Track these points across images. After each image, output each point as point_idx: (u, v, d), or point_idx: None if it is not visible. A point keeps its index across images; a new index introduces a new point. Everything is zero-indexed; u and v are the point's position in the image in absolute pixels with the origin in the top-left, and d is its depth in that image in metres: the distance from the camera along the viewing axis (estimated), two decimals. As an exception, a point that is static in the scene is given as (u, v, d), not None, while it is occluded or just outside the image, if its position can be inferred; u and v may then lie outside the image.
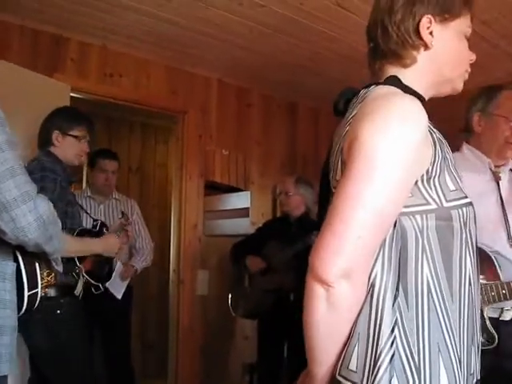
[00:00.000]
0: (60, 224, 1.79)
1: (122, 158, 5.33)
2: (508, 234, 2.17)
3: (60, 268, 2.06)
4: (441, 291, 1.15)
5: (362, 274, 1.12)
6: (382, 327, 1.10)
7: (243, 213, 4.61)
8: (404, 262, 1.15)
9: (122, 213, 3.40)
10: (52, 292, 2.48)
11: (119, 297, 3.84)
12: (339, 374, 1.14)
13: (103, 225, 3.01)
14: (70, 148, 2.78)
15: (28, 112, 3.16)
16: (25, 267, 1.82)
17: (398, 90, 1.21)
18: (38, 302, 1.94)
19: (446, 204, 1.17)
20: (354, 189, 1.09)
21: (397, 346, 1.10)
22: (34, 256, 1.85)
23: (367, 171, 1.09)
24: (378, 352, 1.09)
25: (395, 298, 1.12)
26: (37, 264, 1.91)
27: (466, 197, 1.21)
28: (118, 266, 3.78)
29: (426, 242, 1.16)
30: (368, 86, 1.30)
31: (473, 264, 1.21)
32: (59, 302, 2.54)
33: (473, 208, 1.23)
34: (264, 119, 5.03)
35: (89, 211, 3.63)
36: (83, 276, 2.60)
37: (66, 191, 2.62)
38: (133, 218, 3.97)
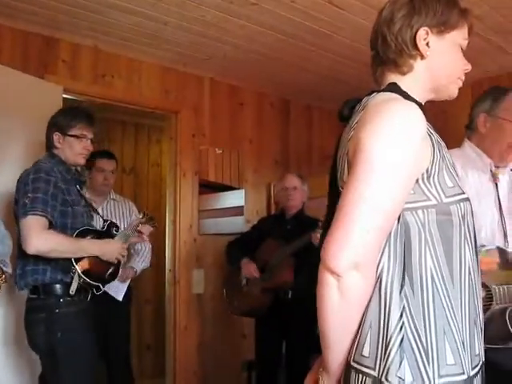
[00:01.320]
0: (2, 230, 1.94)
1: (115, 159, 5.34)
2: (504, 234, 2.18)
3: (8, 269, 2.12)
4: (443, 279, 1.25)
5: (370, 266, 1.22)
6: (391, 314, 1.20)
7: (238, 211, 4.61)
8: (408, 254, 1.25)
9: (144, 213, 3.37)
10: (56, 291, 2.55)
11: (120, 299, 3.84)
12: (353, 361, 1.23)
13: (112, 225, 2.98)
14: (71, 148, 2.77)
15: (21, 114, 3.16)
16: None
17: (398, 96, 1.31)
18: None
19: (445, 200, 1.27)
20: (357, 189, 1.20)
21: (405, 331, 1.19)
22: None
23: (368, 172, 1.20)
24: (389, 337, 1.19)
25: (402, 286, 1.22)
26: None
27: (464, 193, 1.31)
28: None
29: (427, 235, 1.26)
30: (370, 94, 1.39)
31: (472, 254, 1.32)
32: (58, 301, 2.56)
33: (470, 203, 1.33)
34: (257, 117, 5.04)
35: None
36: (79, 276, 2.58)
37: (63, 191, 2.61)
38: (131, 219, 3.95)
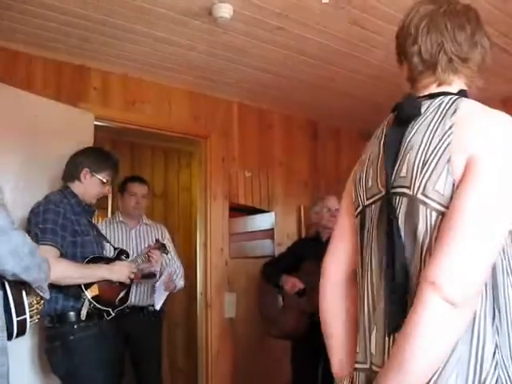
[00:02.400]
0: (39, 256, 1.93)
1: (145, 184, 5.39)
2: None
3: (47, 295, 2.15)
4: None
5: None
6: (486, 349, 1.13)
7: (268, 234, 4.61)
8: (495, 284, 1.18)
9: (157, 240, 3.54)
10: (69, 318, 2.65)
11: (157, 307, 3.85)
12: None
13: (122, 252, 3.10)
14: (93, 188, 2.92)
15: (54, 142, 3.22)
16: (12, 295, 1.92)
17: (486, 107, 1.28)
18: (28, 327, 2.04)
19: None
20: (490, 207, 1.13)
21: (498, 370, 1.13)
22: (21, 284, 1.96)
23: (501, 191, 1.14)
24: (483, 376, 1.12)
25: (493, 320, 1.16)
26: (23, 292, 2.01)
27: None
28: (165, 276, 3.85)
29: (507, 262, 1.20)
30: (437, 96, 1.33)
31: None
32: (72, 327, 2.65)
33: None
34: (285, 139, 5.05)
35: (120, 236, 3.71)
36: (89, 302, 2.67)
37: (72, 222, 2.73)
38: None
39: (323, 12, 3.16)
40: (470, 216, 1.12)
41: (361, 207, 1.42)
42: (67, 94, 3.74)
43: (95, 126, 3.73)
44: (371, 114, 4.74)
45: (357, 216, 1.43)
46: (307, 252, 3.88)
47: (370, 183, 1.39)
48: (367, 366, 1.29)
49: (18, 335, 1.97)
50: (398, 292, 1.24)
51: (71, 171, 2.91)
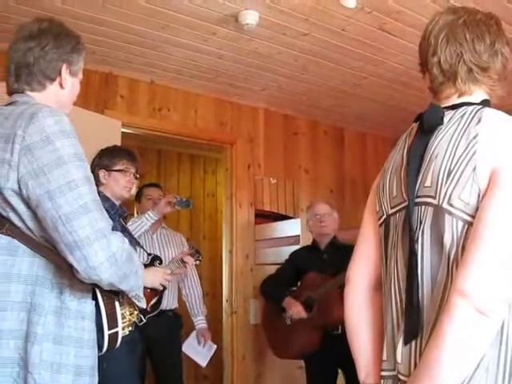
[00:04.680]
0: (137, 261, 1.74)
1: (171, 190, 5.44)
2: None
3: (142, 304, 1.99)
4: None
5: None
6: None
7: (294, 240, 4.59)
8: None
9: (191, 245, 3.56)
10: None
11: (204, 365, 4.08)
12: None
13: (156, 258, 3.07)
14: (116, 182, 2.89)
15: (83, 149, 3.25)
16: (104, 306, 1.76)
17: (510, 117, 1.28)
18: (119, 340, 1.87)
19: None
20: None
21: None
22: (114, 294, 1.78)
23: None
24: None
25: None
26: (116, 302, 1.84)
27: None
28: (192, 337, 4.02)
29: None
30: (460, 106, 1.33)
31: None
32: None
33: None
34: (311, 146, 5.05)
35: (144, 243, 3.70)
36: None
37: None
38: (182, 248, 3.99)
39: (348, 17, 3.16)
40: (497, 225, 1.12)
41: (385, 216, 1.42)
42: (95, 101, 3.79)
43: (122, 133, 3.77)
44: (397, 120, 4.74)
45: (381, 225, 1.44)
46: (307, 262, 3.78)
47: (394, 192, 1.39)
48: (394, 373, 1.29)
49: (108, 349, 1.80)
50: (414, 302, 1.25)
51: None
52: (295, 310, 3.60)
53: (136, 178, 3.01)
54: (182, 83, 4.17)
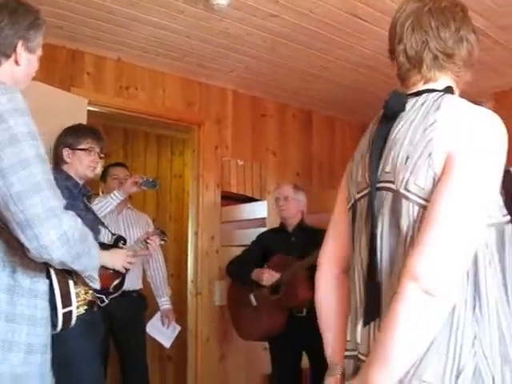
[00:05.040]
0: (91, 241, 1.73)
1: (138, 170, 5.39)
2: None
3: (96, 285, 2.03)
4: (502, 302, 1.23)
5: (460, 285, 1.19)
6: (464, 339, 1.16)
7: (260, 222, 4.60)
8: (477, 275, 1.21)
9: (156, 226, 3.62)
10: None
11: (167, 346, 4.12)
12: None
13: (120, 238, 3.06)
14: (80, 162, 2.86)
15: (46, 127, 3.18)
16: (58, 284, 1.75)
17: (469, 103, 1.30)
18: (74, 319, 1.87)
19: (501, 219, 1.27)
20: (466, 202, 1.16)
21: (477, 358, 1.16)
22: (68, 273, 1.78)
23: (478, 186, 1.17)
24: (462, 365, 1.15)
25: (474, 309, 1.19)
26: (70, 281, 1.84)
27: (508, 214, 1.30)
28: (156, 318, 4.02)
29: (489, 254, 1.23)
30: (423, 93, 1.35)
31: None
32: None
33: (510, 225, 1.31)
34: (279, 129, 5.05)
35: (110, 223, 3.66)
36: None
37: (70, 207, 2.67)
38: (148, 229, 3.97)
39: (318, 0, 3.15)
40: (448, 209, 1.15)
41: (352, 201, 1.45)
42: (61, 78, 3.72)
43: (88, 111, 3.70)
44: (364, 104, 4.77)
45: (349, 210, 1.46)
46: (275, 244, 3.79)
47: (359, 178, 1.42)
48: (355, 353, 1.32)
49: (63, 328, 1.81)
50: (373, 285, 1.28)
51: (55, 158, 2.89)
52: (267, 274, 3.61)
53: (100, 158, 2.98)
54: (149, 61, 4.11)
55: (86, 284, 1.96)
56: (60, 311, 1.77)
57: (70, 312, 1.82)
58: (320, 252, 1.58)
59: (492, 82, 4.31)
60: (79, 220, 1.63)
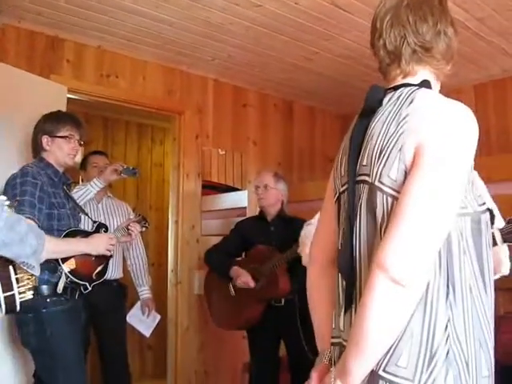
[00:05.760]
0: (23, 231, 1.81)
1: (118, 159, 5.36)
2: None
3: (35, 272, 2.07)
4: (478, 288, 1.26)
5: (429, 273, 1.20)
6: (437, 324, 1.19)
7: (241, 212, 4.62)
8: (451, 262, 1.23)
9: (137, 213, 3.61)
10: (43, 291, 2.60)
11: (147, 335, 4.12)
12: (383, 370, 1.20)
13: (101, 226, 3.06)
14: (60, 149, 2.84)
15: (25, 114, 3.16)
16: None
17: (442, 97, 1.31)
18: (18, 303, 1.96)
19: (477, 208, 1.29)
20: (436, 193, 1.17)
21: (450, 342, 1.19)
22: (9, 259, 1.86)
23: (445, 177, 1.19)
24: (434, 348, 1.18)
25: (447, 295, 1.21)
26: (10, 267, 1.92)
27: (485, 203, 1.33)
28: (136, 308, 4.01)
29: (464, 243, 1.26)
30: (400, 87, 1.37)
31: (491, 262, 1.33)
32: (45, 301, 2.62)
33: (489, 213, 1.34)
34: (260, 118, 5.05)
35: (90, 212, 3.65)
36: (66, 276, 2.66)
37: (49, 195, 2.68)
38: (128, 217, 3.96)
39: (302, -9, 3.15)
40: (415, 200, 1.17)
41: (337, 194, 1.47)
42: (40, 65, 3.68)
43: (68, 99, 3.67)
44: (346, 95, 4.79)
45: (335, 202, 1.48)
46: (254, 233, 3.79)
47: (342, 171, 1.44)
48: (340, 340, 1.35)
49: (7, 311, 1.89)
50: (351, 274, 1.32)
51: (35, 145, 2.87)
52: (244, 279, 3.62)
53: (80, 145, 2.95)
54: (130, 49, 4.08)
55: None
56: (1, 295, 1.86)
57: (13, 295, 1.91)
58: (311, 242, 1.59)
59: (472, 74, 4.35)
60: (4, 210, 1.73)
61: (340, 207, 1.45)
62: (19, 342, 2.73)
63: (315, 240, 1.58)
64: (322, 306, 1.51)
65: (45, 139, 2.83)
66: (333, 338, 1.40)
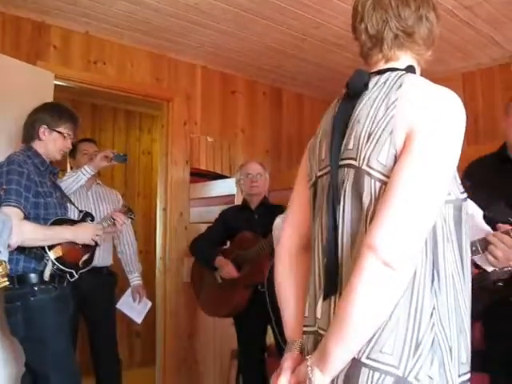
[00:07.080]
0: None
1: (106, 146, 5.33)
2: None
3: (1, 256, 2.11)
4: (459, 275, 1.27)
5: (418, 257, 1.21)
6: (423, 311, 1.19)
7: (229, 199, 4.62)
8: (435, 249, 1.24)
9: (123, 204, 3.66)
10: (31, 279, 2.62)
11: (139, 322, 4.08)
12: (367, 358, 1.18)
13: (87, 215, 3.06)
14: (54, 143, 2.85)
15: (12, 100, 3.14)
16: None
17: (430, 82, 1.31)
18: None
19: (459, 196, 1.30)
20: (427, 178, 1.17)
21: (435, 329, 1.19)
22: None
23: (435, 162, 1.18)
24: (420, 335, 1.18)
25: (432, 282, 1.21)
26: None
27: (464, 192, 1.33)
28: (126, 296, 4.01)
29: (447, 230, 1.26)
30: (385, 72, 1.36)
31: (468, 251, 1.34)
32: (33, 289, 2.62)
33: (467, 202, 1.34)
34: (249, 105, 5.04)
35: (79, 199, 3.65)
36: (52, 263, 2.66)
37: (36, 183, 2.68)
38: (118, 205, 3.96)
39: (290, -23, 3.14)
40: (406, 184, 1.17)
41: (314, 178, 1.45)
42: (26, 51, 3.64)
43: (55, 85, 3.65)
44: (334, 82, 4.78)
45: (310, 187, 1.47)
46: (238, 221, 3.81)
47: (322, 155, 1.42)
48: (315, 328, 1.34)
49: None
50: (334, 260, 1.30)
51: (29, 131, 2.85)
52: (227, 269, 3.65)
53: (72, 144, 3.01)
54: (117, 36, 4.05)
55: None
56: None
57: None
58: (282, 227, 1.58)
59: (460, 62, 4.36)
60: None
61: (316, 192, 1.43)
62: (8, 331, 2.72)
63: (287, 226, 1.56)
64: (291, 294, 1.50)
65: (42, 129, 2.82)
66: (306, 326, 1.38)
